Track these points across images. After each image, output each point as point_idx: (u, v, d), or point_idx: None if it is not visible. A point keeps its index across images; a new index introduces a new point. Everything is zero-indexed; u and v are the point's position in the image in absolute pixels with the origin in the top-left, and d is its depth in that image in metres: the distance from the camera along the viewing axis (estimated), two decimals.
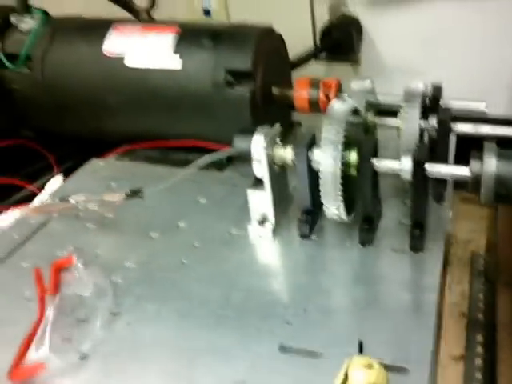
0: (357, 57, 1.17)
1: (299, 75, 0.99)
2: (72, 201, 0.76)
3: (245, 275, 0.67)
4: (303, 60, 1.04)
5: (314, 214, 0.73)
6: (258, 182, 0.73)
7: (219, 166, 0.92)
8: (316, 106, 0.88)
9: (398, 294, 0.63)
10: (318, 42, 1.12)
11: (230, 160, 0.92)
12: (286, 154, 0.70)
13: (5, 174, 0.95)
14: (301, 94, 0.88)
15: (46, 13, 0.98)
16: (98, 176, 0.90)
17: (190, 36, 0.88)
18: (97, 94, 0.90)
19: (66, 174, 0.94)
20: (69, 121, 0.96)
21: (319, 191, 0.68)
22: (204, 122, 0.88)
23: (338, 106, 0.67)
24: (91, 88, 0.90)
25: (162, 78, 0.87)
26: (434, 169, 0.65)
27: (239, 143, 0.70)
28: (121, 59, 0.89)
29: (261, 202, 0.73)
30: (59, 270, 0.68)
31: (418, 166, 0.64)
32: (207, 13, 1.21)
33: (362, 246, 0.70)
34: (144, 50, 0.88)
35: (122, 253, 0.72)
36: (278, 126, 0.72)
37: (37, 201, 0.86)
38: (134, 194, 0.73)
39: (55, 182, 0.92)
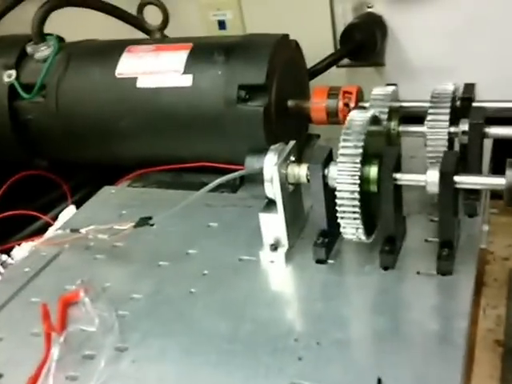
0: (381, 59, 1.14)
1: (318, 84, 0.97)
2: (82, 231, 0.76)
3: (254, 305, 0.65)
4: (323, 68, 1.01)
5: (330, 236, 0.70)
6: (270, 204, 0.71)
7: (232, 187, 0.91)
8: (335, 117, 0.86)
9: (423, 323, 0.59)
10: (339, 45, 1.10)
11: (243, 181, 0.91)
12: (301, 171, 0.68)
13: (19, 205, 0.97)
14: (318, 104, 0.86)
15: (60, 38, 0.99)
16: (109, 204, 0.90)
17: (202, 52, 0.87)
18: (109, 119, 0.90)
19: (81, 202, 0.94)
20: (83, 148, 0.96)
21: (336, 211, 0.66)
22: (216, 141, 0.86)
23: (357, 116, 0.64)
24: (104, 113, 0.90)
25: (173, 97, 0.86)
26: (464, 180, 0.61)
27: (251, 163, 0.68)
28: (133, 81, 0.89)
29: (273, 225, 0.70)
30: (67, 304, 0.68)
31: (446, 179, 0.61)
32: (222, 24, 1.20)
33: (383, 270, 0.67)
34: (155, 70, 0.88)
35: (130, 284, 0.71)
36: (292, 142, 0.70)
37: (50, 232, 0.85)
38: (144, 222, 0.72)
39: (69, 213, 0.92)
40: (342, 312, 0.62)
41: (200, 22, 1.19)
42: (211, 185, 0.70)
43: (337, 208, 0.62)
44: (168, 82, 0.87)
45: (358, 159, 0.60)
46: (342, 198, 0.61)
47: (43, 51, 0.95)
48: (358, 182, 0.60)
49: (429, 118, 0.70)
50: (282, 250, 0.71)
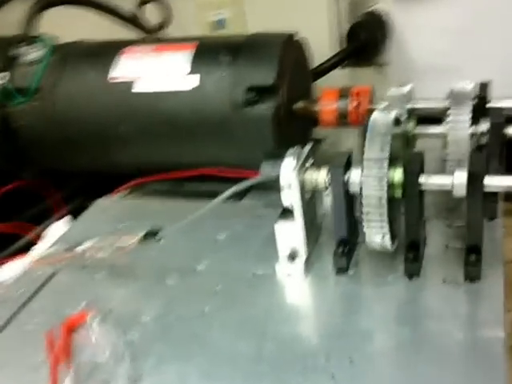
0: (385, 58, 1.11)
1: (318, 84, 0.94)
2: (79, 250, 0.71)
3: (276, 322, 0.61)
4: (329, 68, 0.98)
5: (349, 244, 0.67)
6: (285, 213, 0.67)
7: (238, 194, 0.86)
8: (344, 119, 0.83)
9: (457, 333, 0.57)
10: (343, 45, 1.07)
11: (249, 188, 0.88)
12: (319, 177, 0.65)
13: (6, 218, 0.91)
14: (328, 106, 0.83)
15: (52, 40, 0.95)
16: (104, 218, 0.86)
17: (206, 53, 0.84)
18: (110, 124, 0.86)
19: (74, 214, 0.90)
20: (80, 155, 0.91)
21: (354, 218, 0.63)
22: (222, 146, 0.83)
23: (381, 118, 0.61)
24: (104, 118, 0.86)
25: (175, 101, 0.82)
26: (493, 182, 0.59)
27: (267, 169, 0.64)
28: (131, 84, 0.85)
29: (290, 235, 0.67)
30: (71, 330, 0.63)
31: (475, 180, 0.58)
32: (220, 23, 1.16)
33: (408, 278, 0.64)
34: (155, 73, 0.84)
35: (137, 305, 0.67)
36: (308, 146, 0.67)
37: (40, 249, 0.81)
38: (149, 237, 0.68)
39: (58, 227, 0.87)
40: (370, 325, 0.59)
41: (197, 20, 1.15)
42: (227, 193, 0.66)
43: (362, 216, 0.58)
44: (170, 85, 0.83)
45: (385, 163, 0.57)
46: (369, 205, 0.58)
47: (35, 52, 0.90)
48: (386, 187, 0.57)
49: (449, 118, 0.67)
50: (300, 262, 0.67)
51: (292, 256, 0.68)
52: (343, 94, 0.83)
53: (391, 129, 0.59)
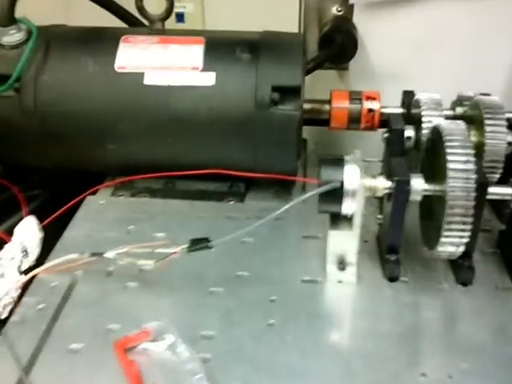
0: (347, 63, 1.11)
1: None
2: (110, 255, 0.63)
3: (353, 335, 0.60)
4: (309, 70, 0.96)
5: (398, 252, 0.66)
6: (336, 220, 0.66)
7: (240, 195, 0.84)
8: (356, 123, 0.82)
9: None
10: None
11: (248, 188, 0.84)
12: (379, 184, 0.63)
13: None
14: (339, 108, 0.81)
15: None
16: (106, 218, 0.78)
17: (219, 48, 0.78)
18: (105, 120, 0.77)
19: (37, 212, 0.79)
20: (64, 153, 0.81)
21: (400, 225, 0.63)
22: (238, 147, 0.78)
23: (454, 127, 0.61)
24: (98, 113, 0.77)
25: (190, 98, 0.76)
26: None
27: (329, 175, 0.61)
28: (139, 77, 0.76)
29: (343, 243, 0.65)
30: (125, 351, 0.56)
31: None
32: (180, 17, 1.09)
33: (462, 286, 0.65)
34: (165, 66, 0.77)
35: (192, 318, 0.61)
36: (358, 151, 0.65)
37: (9, 250, 0.69)
38: (201, 244, 0.62)
39: (27, 225, 0.76)
40: (454, 337, 0.59)
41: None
42: (302, 198, 0.62)
43: (444, 225, 0.57)
44: (184, 80, 0.76)
45: (472, 174, 0.57)
46: (453, 215, 0.57)
47: (13, 35, 0.78)
48: (473, 199, 0.56)
49: (488, 128, 0.68)
50: (352, 269, 0.66)
51: (344, 263, 0.66)
52: (355, 97, 0.82)
53: (468, 137, 0.59)
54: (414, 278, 0.67)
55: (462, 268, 0.65)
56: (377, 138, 0.82)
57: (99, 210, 0.79)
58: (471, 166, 0.58)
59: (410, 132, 0.74)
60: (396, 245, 0.66)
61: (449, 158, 0.58)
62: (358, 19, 1.06)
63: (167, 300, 0.64)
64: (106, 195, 0.84)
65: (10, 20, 0.78)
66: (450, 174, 0.58)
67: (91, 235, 0.74)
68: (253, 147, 0.77)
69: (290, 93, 0.75)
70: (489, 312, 0.62)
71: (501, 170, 0.70)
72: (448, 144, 0.59)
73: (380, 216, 0.71)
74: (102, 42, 0.80)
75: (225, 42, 0.79)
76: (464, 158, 0.58)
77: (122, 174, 0.85)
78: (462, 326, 0.61)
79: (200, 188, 0.85)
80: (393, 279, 0.66)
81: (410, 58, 1.07)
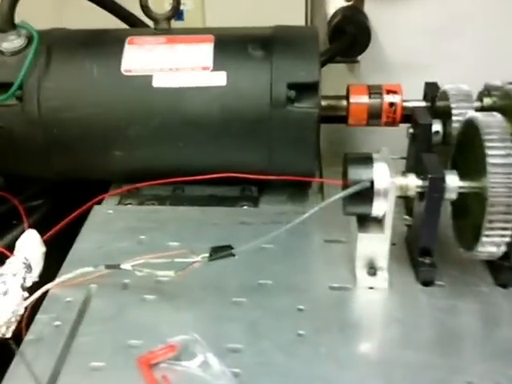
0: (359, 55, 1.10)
1: None
2: (126, 267, 0.62)
3: (391, 345, 0.58)
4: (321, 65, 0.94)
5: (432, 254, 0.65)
6: (365, 222, 0.64)
7: (254, 200, 0.82)
8: (376, 118, 0.80)
9: None
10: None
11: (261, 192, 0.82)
12: (410, 183, 0.62)
13: None
14: (358, 103, 0.80)
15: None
16: (115, 228, 0.75)
17: (229, 46, 0.76)
18: (113, 127, 0.75)
19: (38, 226, 0.77)
20: (70, 162, 0.79)
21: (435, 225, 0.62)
22: (253, 148, 0.76)
23: (492, 120, 0.59)
24: (106, 120, 0.75)
25: (202, 99, 0.74)
26: None
27: (357, 175, 0.60)
28: (148, 79, 0.75)
29: (373, 246, 0.64)
30: (150, 367, 0.54)
31: None
32: (179, 15, 1.07)
33: (502, 288, 0.63)
34: (175, 67, 0.75)
35: (216, 330, 0.59)
36: (386, 149, 0.63)
37: (10, 265, 0.68)
38: (223, 252, 0.60)
39: (29, 238, 0.74)
40: (497, 342, 0.57)
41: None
42: (329, 201, 0.60)
43: (485, 224, 0.56)
44: (195, 80, 0.74)
45: None
46: (494, 213, 0.55)
47: (13, 41, 0.76)
48: None
49: None
50: (383, 274, 0.64)
51: (374, 268, 0.64)
52: (374, 91, 0.80)
53: (508, 131, 0.57)
54: (449, 281, 0.65)
55: (501, 269, 0.63)
56: (391, 133, 0.81)
57: (107, 220, 0.77)
58: (510, 160, 0.56)
59: (437, 126, 0.72)
60: (430, 247, 0.64)
61: (488, 152, 0.56)
62: (370, 8, 1.05)
63: (188, 312, 0.62)
64: (112, 204, 0.82)
65: (10, 25, 0.76)
66: (490, 169, 0.56)
67: (102, 246, 0.72)
68: (268, 148, 0.76)
69: (307, 89, 0.73)
70: None
71: None
72: (486, 137, 0.57)
73: (407, 217, 0.70)
74: (106, 44, 0.78)
75: (235, 39, 0.78)
76: (504, 152, 0.56)
77: (129, 181, 0.83)
78: (505, 330, 0.59)
79: (210, 193, 0.83)
80: (427, 283, 0.64)
81: (425, 48, 1.06)
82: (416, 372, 0.54)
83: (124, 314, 0.62)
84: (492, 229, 0.57)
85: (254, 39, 0.76)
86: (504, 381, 0.53)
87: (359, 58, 1.09)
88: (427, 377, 0.54)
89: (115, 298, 0.64)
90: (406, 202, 0.71)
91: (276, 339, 0.58)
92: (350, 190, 0.59)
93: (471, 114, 0.62)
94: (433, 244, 0.63)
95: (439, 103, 0.75)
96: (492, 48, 1.04)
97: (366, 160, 0.61)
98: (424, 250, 0.64)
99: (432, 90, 0.78)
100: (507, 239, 0.58)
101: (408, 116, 0.77)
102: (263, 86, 0.73)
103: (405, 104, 0.80)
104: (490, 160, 0.56)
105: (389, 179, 0.59)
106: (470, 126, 0.60)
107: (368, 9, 1.05)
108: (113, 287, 0.65)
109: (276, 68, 0.73)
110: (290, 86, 0.73)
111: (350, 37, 0.99)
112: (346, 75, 1.11)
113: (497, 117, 0.60)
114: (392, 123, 0.81)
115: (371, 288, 0.64)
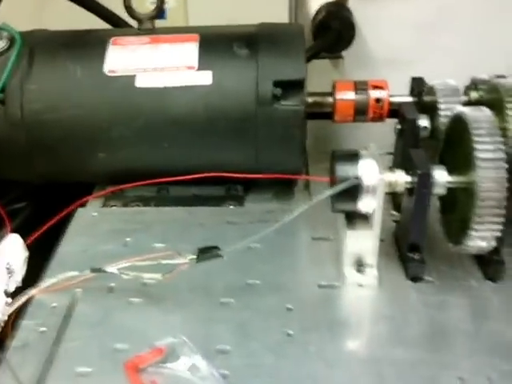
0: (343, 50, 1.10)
1: None
2: (112, 270, 0.61)
3: (381, 342, 0.57)
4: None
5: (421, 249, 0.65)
6: (352, 219, 0.64)
7: (239, 199, 0.82)
8: (362, 114, 0.80)
9: None
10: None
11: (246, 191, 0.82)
12: (399, 179, 0.62)
13: None
14: (345, 99, 0.80)
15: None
16: (100, 231, 0.75)
17: (214, 45, 0.76)
18: (97, 128, 0.75)
19: (20, 230, 0.76)
20: (54, 164, 0.79)
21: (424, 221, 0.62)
22: (239, 147, 0.76)
23: (479, 114, 0.59)
24: (90, 121, 0.74)
25: (187, 98, 0.74)
26: None
27: (344, 171, 0.60)
28: (131, 80, 0.74)
29: (362, 243, 0.64)
30: (137, 371, 0.54)
31: None
32: (161, 13, 1.07)
33: (491, 282, 0.64)
34: (159, 66, 0.75)
35: (205, 331, 0.59)
36: (373, 145, 0.63)
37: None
38: (210, 253, 0.60)
39: (11, 243, 0.73)
40: (488, 336, 0.58)
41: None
42: (318, 198, 0.61)
43: (474, 217, 0.56)
44: (180, 80, 0.74)
45: (503, 163, 0.56)
46: (484, 207, 0.55)
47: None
48: (506, 189, 0.55)
49: (510, 113, 0.67)
50: (372, 271, 0.64)
51: (363, 265, 0.64)
52: (360, 87, 0.80)
53: (496, 125, 0.57)
54: (438, 276, 0.65)
55: (490, 263, 0.63)
56: (378, 129, 0.81)
57: (92, 223, 0.76)
58: (501, 155, 0.56)
59: (424, 121, 0.72)
60: (419, 243, 0.64)
61: (477, 146, 0.57)
62: (354, 4, 1.05)
63: (175, 314, 0.61)
64: (96, 206, 0.81)
65: None
66: (479, 164, 0.56)
67: (87, 250, 0.71)
68: (254, 147, 0.75)
69: (293, 87, 0.73)
70: None
71: None
72: (475, 132, 0.57)
73: (394, 212, 0.70)
74: (89, 45, 0.77)
75: (220, 37, 0.77)
76: (493, 147, 0.56)
77: (113, 183, 0.82)
78: (494, 324, 0.59)
79: (196, 193, 0.83)
80: (416, 279, 0.64)
81: (410, 43, 1.06)
82: (407, 369, 0.54)
83: (110, 318, 0.61)
84: (482, 223, 0.57)
85: (239, 37, 0.76)
86: (495, 375, 0.53)
87: (343, 53, 1.09)
88: (418, 373, 0.53)
89: (101, 301, 0.63)
90: (392, 197, 0.71)
91: (265, 340, 0.57)
92: (339, 187, 0.59)
93: (459, 108, 0.62)
94: (422, 240, 0.64)
95: (426, 98, 0.76)
96: (478, 42, 1.05)
97: (353, 157, 0.61)
98: (413, 246, 0.64)
99: (418, 85, 0.78)
100: (497, 234, 0.58)
101: (393, 111, 0.77)
102: (249, 84, 0.73)
103: (391, 99, 0.80)
104: (479, 155, 0.56)
105: (377, 176, 0.60)
106: (458, 121, 0.60)
107: (352, 4, 1.05)
108: (98, 291, 0.64)
109: (262, 66, 0.73)
110: (276, 84, 0.73)
111: (334, 32, 0.99)
112: (329, 71, 1.11)
113: (485, 111, 0.60)
114: (378, 119, 0.81)
115: (360, 285, 0.64)
